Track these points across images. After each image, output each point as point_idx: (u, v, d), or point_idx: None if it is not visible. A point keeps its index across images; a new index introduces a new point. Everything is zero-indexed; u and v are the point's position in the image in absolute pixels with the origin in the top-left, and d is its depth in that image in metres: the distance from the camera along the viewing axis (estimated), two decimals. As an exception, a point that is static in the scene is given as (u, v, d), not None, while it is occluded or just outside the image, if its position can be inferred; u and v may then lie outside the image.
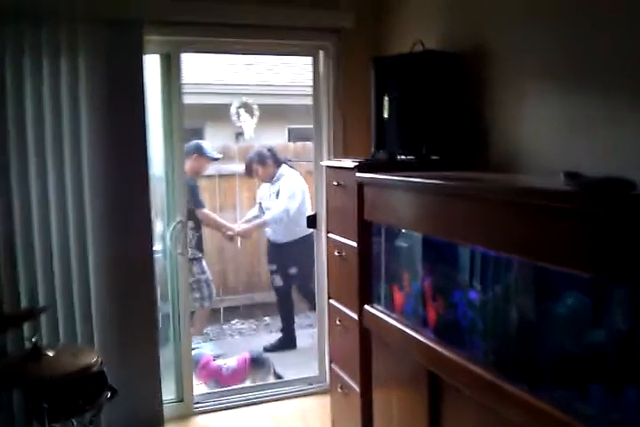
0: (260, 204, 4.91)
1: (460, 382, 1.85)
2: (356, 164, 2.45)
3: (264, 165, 4.73)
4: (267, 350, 4.59)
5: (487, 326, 1.83)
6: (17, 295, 2.78)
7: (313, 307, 4.09)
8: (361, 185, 2.43)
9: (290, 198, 4.62)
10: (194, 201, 4.47)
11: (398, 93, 2.61)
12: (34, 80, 2.72)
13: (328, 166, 2.82)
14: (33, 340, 2.14)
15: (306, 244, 4.39)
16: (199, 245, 4.62)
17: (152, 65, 3.02)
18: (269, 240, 4.93)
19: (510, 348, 1.73)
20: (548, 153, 2.19)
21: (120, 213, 2.95)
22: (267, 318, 5.65)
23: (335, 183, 2.68)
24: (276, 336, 4.95)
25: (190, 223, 4.43)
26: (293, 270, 4.76)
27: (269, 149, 4.82)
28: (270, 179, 4.75)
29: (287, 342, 4.81)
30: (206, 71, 6.38)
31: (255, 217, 4.96)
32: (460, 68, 2.55)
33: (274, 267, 4.87)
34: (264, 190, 4.93)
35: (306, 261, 4.50)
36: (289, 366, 4.08)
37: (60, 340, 2.86)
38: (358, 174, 2.41)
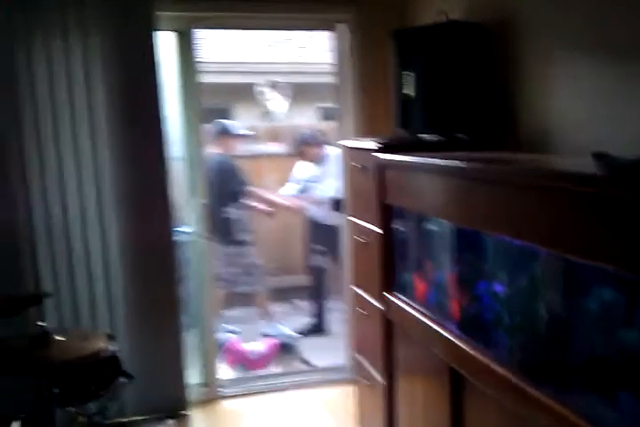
0: (298, 182, 4.80)
1: (482, 382, 1.72)
2: (376, 144, 2.30)
3: (314, 145, 4.65)
4: (298, 333, 4.46)
5: (512, 321, 1.68)
6: (37, 280, 2.77)
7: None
8: (381, 167, 2.28)
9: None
10: (234, 182, 4.41)
11: (421, 68, 2.44)
12: (46, 61, 2.67)
13: (348, 147, 2.68)
14: (40, 324, 2.11)
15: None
16: (246, 228, 4.56)
17: (167, 42, 2.92)
18: (313, 220, 4.80)
19: (535, 347, 1.59)
20: (582, 131, 2.01)
21: (139, 196, 2.90)
22: (298, 301, 5.58)
23: (355, 165, 2.55)
24: (306, 320, 4.86)
25: (238, 205, 4.45)
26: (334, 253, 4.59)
27: (313, 130, 4.76)
28: (318, 159, 4.65)
29: (318, 326, 4.72)
30: (234, 49, 6.25)
31: (296, 196, 4.84)
32: (486, 41, 2.37)
33: (316, 246, 4.76)
34: (303, 170, 4.82)
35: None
36: (318, 352, 4.01)
37: (80, 324, 2.85)
38: (378, 155, 2.26)
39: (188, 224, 3.26)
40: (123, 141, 2.82)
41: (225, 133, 4.47)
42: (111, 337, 2.34)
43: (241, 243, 4.49)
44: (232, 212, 4.42)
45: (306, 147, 4.68)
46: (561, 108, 2.11)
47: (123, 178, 2.85)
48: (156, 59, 2.77)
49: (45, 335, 2.12)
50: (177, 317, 3.03)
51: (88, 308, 2.88)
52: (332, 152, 4.57)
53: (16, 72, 2.62)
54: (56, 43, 2.65)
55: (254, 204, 4.66)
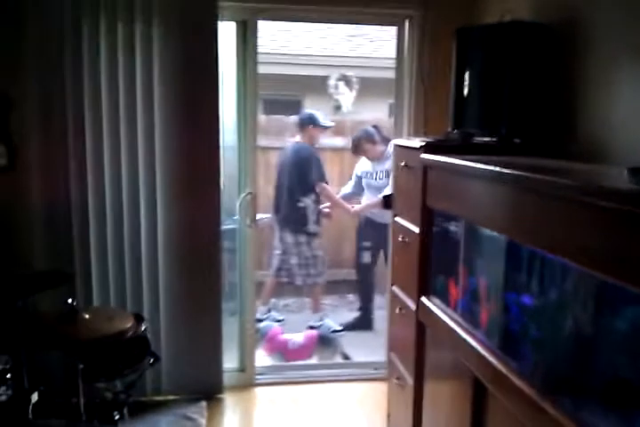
0: (360, 180, 4.73)
1: (502, 394, 1.67)
2: (423, 144, 2.26)
3: (373, 142, 4.57)
4: (342, 327, 4.40)
5: (538, 334, 1.62)
6: (88, 259, 2.89)
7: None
8: (426, 167, 2.24)
9: None
10: (318, 173, 4.45)
11: (480, 67, 2.38)
12: (109, 47, 2.75)
13: (397, 145, 2.64)
14: (69, 302, 2.18)
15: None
16: (319, 221, 4.60)
17: (228, 32, 2.96)
18: (366, 217, 4.76)
19: (559, 363, 1.52)
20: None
21: (190, 183, 2.96)
22: (350, 295, 5.58)
23: (403, 164, 2.51)
24: (354, 315, 4.84)
25: (313, 197, 4.51)
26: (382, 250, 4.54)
27: (375, 126, 4.68)
28: (379, 157, 4.56)
29: (364, 321, 4.68)
30: (306, 42, 6.27)
31: (353, 193, 4.81)
32: (550, 42, 2.26)
33: (367, 244, 4.71)
34: (365, 167, 4.72)
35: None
36: (361, 348, 3.99)
37: (127, 307, 2.95)
38: (423, 156, 2.22)
39: (236, 213, 3.30)
40: (178, 129, 2.89)
41: (310, 124, 4.53)
42: (140, 318, 2.41)
43: (311, 234, 4.54)
44: (307, 202, 4.46)
45: (365, 143, 4.61)
46: (623, 117, 1.99)
47: (175, 165, 2.92)
48: (216, 48, 2.81)
49: (73, 313, 2.19)
50: (218, 302, 3.08)
51: (131, 289, 2.98)
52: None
53: (81, 51, 2.72)
54: (120, 27, 2.74)
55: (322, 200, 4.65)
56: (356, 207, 4.71)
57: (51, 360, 2.65)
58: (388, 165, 4.43)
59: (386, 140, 4.56)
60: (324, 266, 4.72)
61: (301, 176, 4.41)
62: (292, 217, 4.51)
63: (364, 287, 4.83)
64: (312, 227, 4.53)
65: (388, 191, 4.15)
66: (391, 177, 4.28)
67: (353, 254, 5.14)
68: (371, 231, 4.70)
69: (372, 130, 4.65)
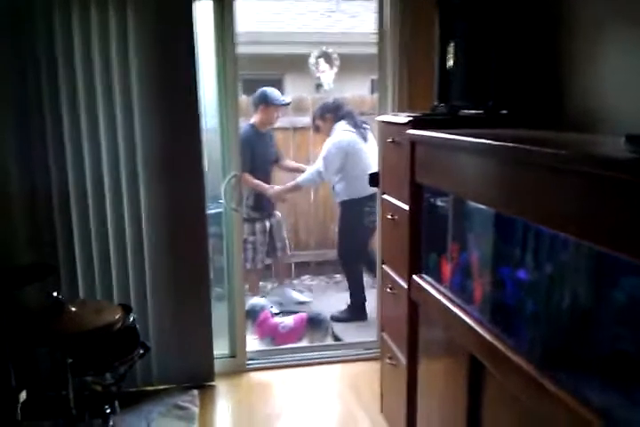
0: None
1: (499, 371, 1.64)
2: (409, 119, 2.20)
3: (324, 119, 4.40)
4: (334, 319, 4.22)
5: (534, 309, 1.58)
6: (72, 248, 2.81)
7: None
8: (413, 143, 2.18)
9: (324, 159, 4.29)
10: (269, 153, 4.32)
11: (465, 39, 2.31)
12: (81, 30, 2.65)
13: (382, 121, 2.58)
14: (54, 294, 2.11)
15: (366, 204, 4.17)
16: (258, 205, 4.44)
17: (206, 12, 2.86)
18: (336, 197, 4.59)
19: (557, 338, 1.49)
20: (633, 111, 1.84)
21: (172, 166, 2.89)
22: (337, 275, 5.54)
23: (389, 140, 2.45)
24: (345, 297, 4.68)
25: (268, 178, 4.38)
26: (351, 232, 4.41)
27: (334, 101, 4.49)
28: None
29: (356, 311, 4.39)
30: (285, 19, 6.14)
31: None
32: (535, 10, 2.20)
33: (336, 227, 4.59)
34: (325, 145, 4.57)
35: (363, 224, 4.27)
36: (351, 328, 3.98)
37: (113, 297, 2.89)
38: (410, 131, 2.16)
39: (221, 196, 3.23)
40: (157, 112, 2.81)
41: (262, 103, 4.29)
42: (128, 309, 2.35)
43: (246, 220, 4.31)
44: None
45: (319, 121, 4.43)
46: (612, 85, 1.95)
47: (156, 150, 2.84)
48: (193, 29, 2.72)
49: (59, 306, 2.13)
50: (206, 289, 3.03)
51: (117, 279, 2.91)
52: (338, 128, 4.33)
53: (54, 38, 2.62)
54: (93, 11, 2.63)
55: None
56: (274, 189, 4.50)
57: (38, 355, 2.59)
58: (326, 143, 4.32)
59: (339, 118, 4.35)
60: (258, 253, 4.49)
61: (254, 158, 4.24)
62: (250, 200, 4.39)
63: (349, 275, 4.58)
64: (244, 213, 4.31)
65: (368, 170, 4.10)
66: (336, 156, 4.23)
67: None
68: (339, 212, 4.57)
69: (327, 105, 4.45)
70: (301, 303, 4.50)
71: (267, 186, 4.46)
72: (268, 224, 4.52)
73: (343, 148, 4.26)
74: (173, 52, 2.75)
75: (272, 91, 4.42)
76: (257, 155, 4.33)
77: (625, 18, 1.86)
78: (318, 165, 4.35)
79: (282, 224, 4.74)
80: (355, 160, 4.25)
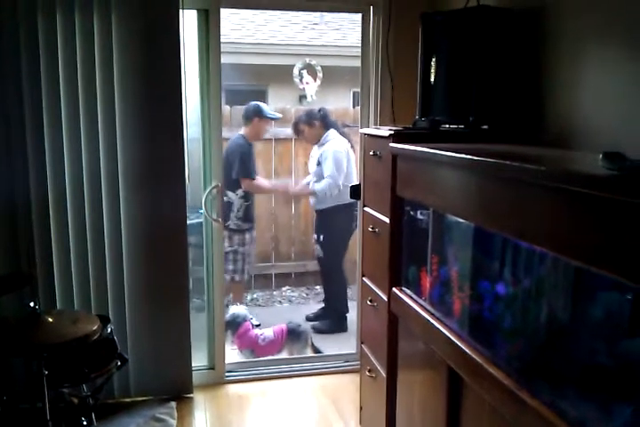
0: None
1: (478, 384, 1.65)
2: (391, 132, 2.22)
3: (310, 125, 4.48)
4: (318, 331, 4.27)
5: (513, 324, 1.60)
6: (50, 258, 2.78)
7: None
8: (395, 156, 2.20)
9: (337, 169, 4.33)
10: (242, 169, 4.31)
11: (447, 54, 2.34)
12: (65, 37, 2.63)
13: (365, 134, 2.59)
14: (31, 305, 2.07)
15: (349, 211, 4.21)
16: (247, 216, 4.44)
17: (190, 21, 2.86)
18: (315, 207, 4.65)
19: (534, 352, 1.51)
20: (611, 128, 1.88)
21: (153, 176, 2.87)
22: (318, 287, 5.54)
23: (371, 153, 2.47)
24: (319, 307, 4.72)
25: (240, 192, 4.35)
26: (333, 239, 4.45)
27: (320, 110, 4.56)
28: (316, 141, 4.50)
29: (335, 322, 4.41)
30: (269, 30, 6.17)
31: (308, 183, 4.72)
32: (517, 27, 2.24)
33: (315, 236, 4.60)
34: (313, 154, 4.68)
35: (346, 229, 4.33)
36: (330, 340, 3.97)
37: (91, 308, 2.85)
38: (392, 145, 2.18)
39: (201, 207, 3.22)
40: (140, 121, 2.79)
41: (256, 116, 4.37)
42: (105, 320, 2.32)
43: (232, 230, 4.36)
44: (231, 197, 4.33)
45: (304, 126, 4.51)
46: (589, 102, 1.98)
47: (138, 159, 2.82)
48: (178, 38, 2.72)
49: (36, 316, 2.09)
50: (185, 299, 3.01)
51: (95, 289, 2.87)
52: (334, 136, 4.43)
53: (37, 46, 2.59)
54: (77, 17, 2.62)
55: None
56: (296, 188, 4.71)
57: (12, 366, 2.54)
58: (324, 151, 4.39)
59: (327, 125, 4.47)
60: (247, 264, 4.52)
61: (226, 171, 4.17)
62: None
63: (326, 285, 4.67)
64: (232, 223, 4.36)
65: (355, 181, 4.12)
66: (343, 166, 4.31)
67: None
68: (317, 221, 4.64)
69: (313, 112, 4.55)
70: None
71: (286, 183, 4.66)
72: (254, 234, 4.55)
73: (344, 155, 4.40)
74: (158, 60, 2.74)
75: (264, 105, 4.54)
76: (251, 164, 4.41)
77: (604, 37, 1.90)
78: (334, 175, 4.34)
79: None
80: (347, 169, 4.39)
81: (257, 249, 4.86)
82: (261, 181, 4.56)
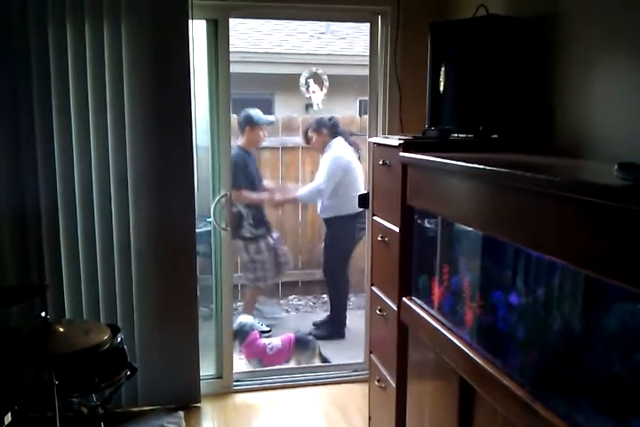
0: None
1: (490, 395, 1.64)
2: (401, 141, 2.22)
3: (319, 133, 4.51)
4: (316, 337, 4.18)
5: (526, 334, 1.59)
6: (59, 265, 2.78)
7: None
8: (405, 166, 2.20)
9: (327, 175, 4.34)
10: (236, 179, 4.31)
11: (455, 63, 2.35)
12: (76, 48, 2.65)
13: (375, 143, 2.59)
14: (42, 315, 2.07)
15: (352, 222, 4.21)
16: (259, 222, 4.43)
17: (199, 31, 2.88)
18: (322, 217, 4.67)
19: (549, 363, 1.49)
20: (622, 137, 1.88)
21: (163, 185, 2.87)
22: (325, 295, 5.53)
23: (381, 162, 2.47)
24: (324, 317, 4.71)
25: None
26: (335, 249, 4.46)
27: (330, 119, 4.59)
28: (324, 149, 4.51)
29: (335, 329, 4.45)
30: (276, 40, 6.20)
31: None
32: (526, 36, 2.25)
33: (323, 245, 4.64)
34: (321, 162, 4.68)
35: (350, 240, 4.32)
36: (338, 350, 3.95)
37: (100, 317, 2.85)
38: (402, 154, 2.18)
39: (210, 215, 3.22)
40: (150, 130, 2.80)
41: (247, 125, 4.32)
42: (116, 329, 2.31)
43: (246, 239, 4.36)
44: (239, 208, 4.33)
45: (313, 133, 4.53)
46: (600, 111, 1.98)
47: (147, 168, 2.83)
48: (188, 48, 2.73)
49: (47, 326, 2.09)
50: (193, 309, 3.00)
51: (104, 298, 2.87)
52: (336, 144, 4.42)
53: (47, 54, 2.61)
54: (87, 25, 2.63)
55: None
56: (276, 198, 4.64)
57: (23, 375, 2.53)
58: (324, 157, 4.41)
59: (334, 133, 4.50)
60: (267, 271, 4.50)
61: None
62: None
63: (330, 293, 4.69)
64: (247, 231, 4.37)
65: (362, 190, 4.12)
66: (336, 174, 4.29)
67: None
68: (324, 230, 4.63)
69: (323, 120, 4.57)
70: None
71: (266, 195, 4.54)
72: (271, 241, 4.52)
73: (343, 164, 4.39)
74: (168, 70, 2.75)
75: (255, 111, 4.46)
76: (249, 174, 4.38)
77: (614, 46, 1.90)
78: (319, 180, 4.40)
79: (281, 239, 4.76)
80: (350, 179, 4.37)
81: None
82: (244, 192, 4.35)
